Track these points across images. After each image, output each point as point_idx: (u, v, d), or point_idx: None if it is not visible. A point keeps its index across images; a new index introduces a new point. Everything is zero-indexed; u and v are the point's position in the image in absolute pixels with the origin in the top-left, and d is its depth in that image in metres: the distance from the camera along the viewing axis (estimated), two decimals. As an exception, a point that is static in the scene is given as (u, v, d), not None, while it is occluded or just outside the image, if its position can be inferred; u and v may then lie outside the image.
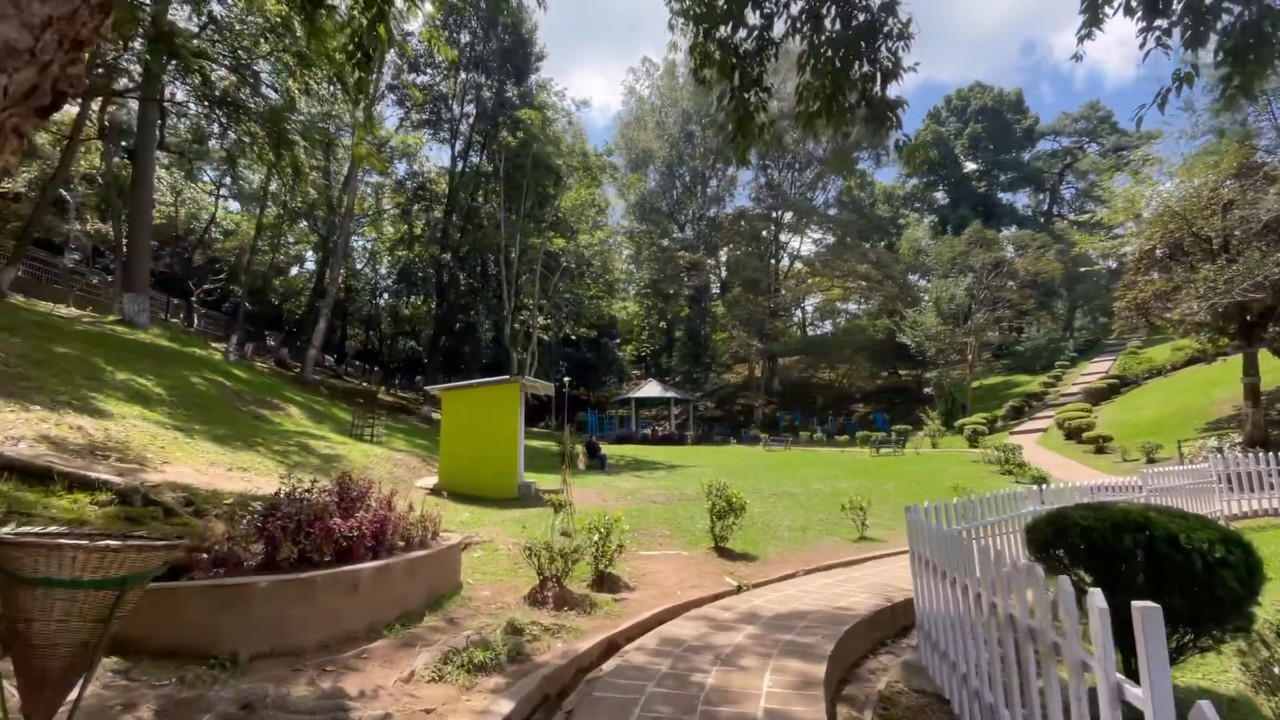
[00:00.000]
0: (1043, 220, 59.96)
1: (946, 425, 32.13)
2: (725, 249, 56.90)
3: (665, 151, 55.45)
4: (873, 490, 15.15)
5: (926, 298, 45.65)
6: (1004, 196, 64.04)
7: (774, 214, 55.22)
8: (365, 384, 35.52)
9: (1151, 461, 17.20)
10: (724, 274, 57.18)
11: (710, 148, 54.77)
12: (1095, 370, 39.35)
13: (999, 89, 61.66)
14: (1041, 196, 64.58)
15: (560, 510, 9.88)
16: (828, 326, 65.43)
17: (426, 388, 14.91)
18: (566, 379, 33.80)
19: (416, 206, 33.36)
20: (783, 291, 53.67)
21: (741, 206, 57.81)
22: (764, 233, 56.03)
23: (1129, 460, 18.33)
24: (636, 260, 55.93)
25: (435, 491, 12.11)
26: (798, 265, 57.26)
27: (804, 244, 60.82)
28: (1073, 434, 23.35)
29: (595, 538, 6.79)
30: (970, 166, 65.52)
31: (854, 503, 10.26)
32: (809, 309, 60.66)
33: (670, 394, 42.61)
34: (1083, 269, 46.44)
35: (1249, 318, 15.19)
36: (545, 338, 35.90)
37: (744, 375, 55.97)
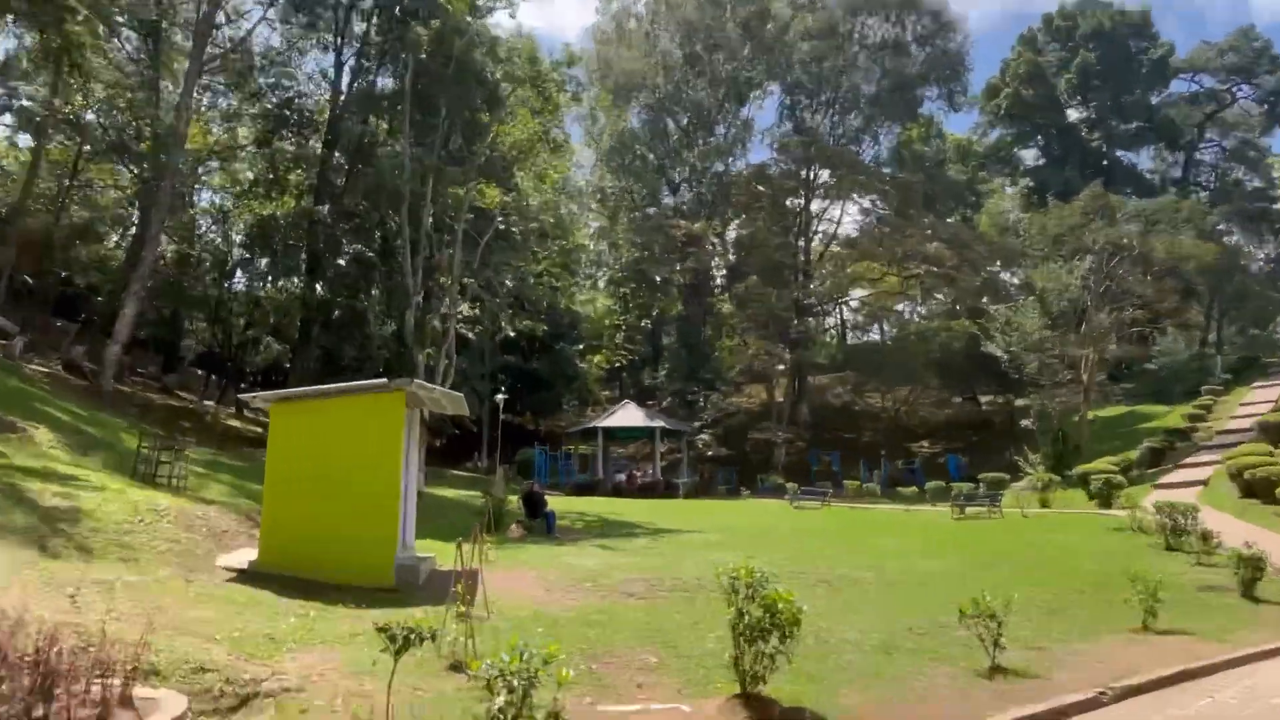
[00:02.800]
0: (1174, 191, 59.50)
1: (1057, 473, 30.40)
2: (737, 220, 55.38)
3: (656, 80, 53.87)
4: (978, 576, 13.34)
5: (1024, 290, 44.29)
6: (1123, 156, 63.71)
7: (806, 172, 53.83)
8: (205, 400, 32.79)
9: (1403, 533, 15.41)
10: (733, 256, 55.61)
11: (720, 75, 53.31)
12: (1261, 399, 38.09)
13: (1119, 4, 61.38)
14: (1173, 158, 64.34)
15: (464, 617, 7.67)
16: (878, 332, 64.31)
17: (244, 397, 12.48)
18: (502, 397, 31.34)
19: (281, 138, 30.93)
20: (816, 282, 52.17)
21: (761, 161, 56.59)
22: (791, 199, 54.61)
23: (1360, 531, 16.55)
24: (610, 233, 53.98)
25: (250, 575, 9.87)
26: (836, 247, 55.84)
27: (846, 215, 59.68)
28: (1259, 488, 21.61)
29: (504, 698, 4.45)
30: (1075, 115, 65.20)
31: (980, 604, 8.02)
32: (853, 306, 59.26)
33: (656, 423, 40.48)
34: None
35: None
36: (472, 336, 33.33)
37: (761, 399, 54.13)
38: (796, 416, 51.56)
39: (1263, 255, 62.98)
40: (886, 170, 56.41)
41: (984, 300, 47.06)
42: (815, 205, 56.41)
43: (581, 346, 53.86)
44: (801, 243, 55.88)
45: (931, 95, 58.21)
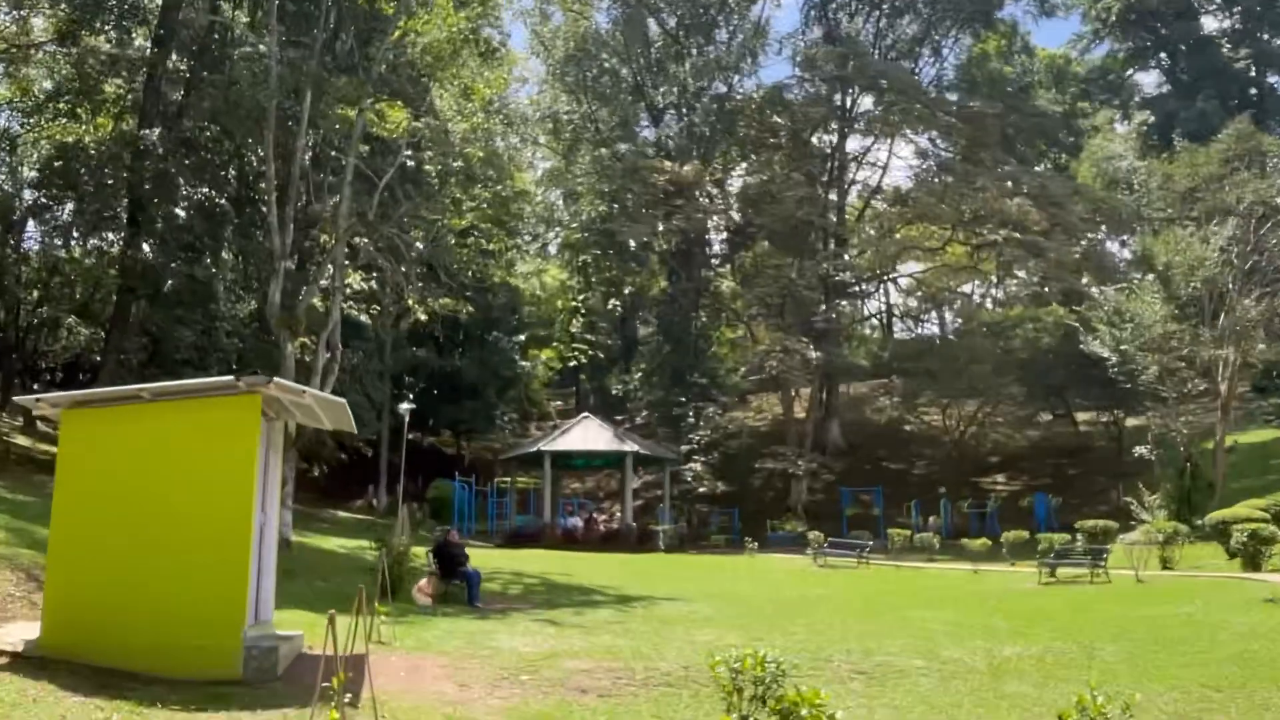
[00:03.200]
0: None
1: (1184, 521, 30.62)
2: (744, 164, 55.26)
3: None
4: (1077, 664, 13.19)
5: (1138, 269, 44.64)
6: (1278, 85, 64.48)
7: (841, 97, 53.88)
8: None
9: None
10: (738, 214, 55.52)
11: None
12: None
13: None
14: (1347, 88, 65.27)
15: None
16: (937, 323, 64.69)
17: (22, 400, 11.96)
18: (408, 407, 30.67)
19: (93, 31, 29.95)
20: (853, 251, 52.30)
21: (779, 81, 56.46)
22: (820, 134, 54.63)
23: None
24: (566, 178, 53.56)
25: (26, 661, 9.49)
26: (880, 203, 56.02)
27: (895, 159, 59.95)
28: None
29: None
30: (1213, 25, 66.05)
31: (1086, 709, 7.79)
32: (903, 285, 59.60)
33: (627, 447, 40.29)
34: None
35: None
36: (367, 319, 32.44)
37: (775, 415, 54.15)
38: (824, 439, 51.66)
39: None
40: (952, 98, 56.56)
41: (1084, 280, 47.36)
42: (853, 144, 56.69)
43: (524, 338, 53.41)
44: (833, 196, 56.00)
45: (1017, -7, 58.69)
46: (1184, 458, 37.04)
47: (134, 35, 32.23)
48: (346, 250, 25.93)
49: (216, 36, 29.83)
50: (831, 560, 31.37)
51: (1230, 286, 37.58)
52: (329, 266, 24.42)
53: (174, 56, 30.90)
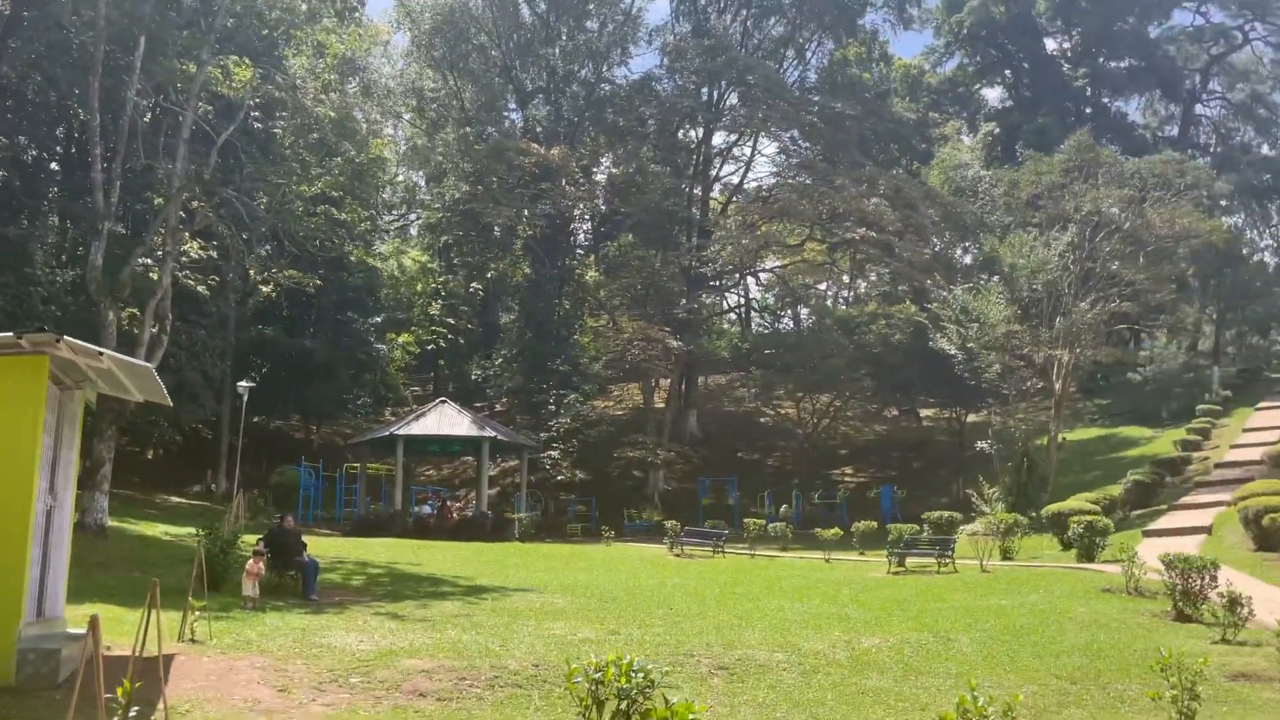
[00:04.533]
0: (1169, 152, 63.64)
1: (1021, 512, 31.27)
2: (611, 153, 54.35)
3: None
4: (935, 653, 12.96)
5: (983, 271, 45.73)
6: (1112, 103, 67.72)
7: (709, 92, 53.59)
8: None
9: None
10: (604, 204, 54.66)
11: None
12: (1268, 424, 40.95)
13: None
14: (1171, 109, 68.86)
15: None
16: (794, 319, 65.30)
17: None
18: (247, 385, 28.60)
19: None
20: (716, 245, 52.05)
21: (648, 71, 55.75)
22: (687, 127, 54.27)
23: None
24: (429, 156, 51.56)
25: None
26: (743, 199, 56.00)
27: (759, 156, 59.99)
28: (1272, 538, 22.72)
29: None
30: (1054, 46, 68.66)
31: (967, 711, 7.09)
32: (763, 280, 59.84)
33: (485, 433, 38.92)
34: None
35: None
36: (205, 291, 30.00)
37: (635, 404, 53.57)
38: (682, 429, 51.31)
39: (1269, 243, 68.73)
40: (814, 100, 56.83)
41: (933, 280, 48.31)
42: (719, 139, 56.54)
43: (381, 320, 51.28)
44: (698, 190, 55.80)
45: (876, 2, 59.29)
46: (1020, 453, 37.95)
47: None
48: (182, 215, 23.80)
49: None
50: (688, 549, 30.88)
51: (1067, 290, 38.69)
52: (162, 233, 22.27)
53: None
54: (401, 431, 37.95)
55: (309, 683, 9.72)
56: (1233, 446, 38.69)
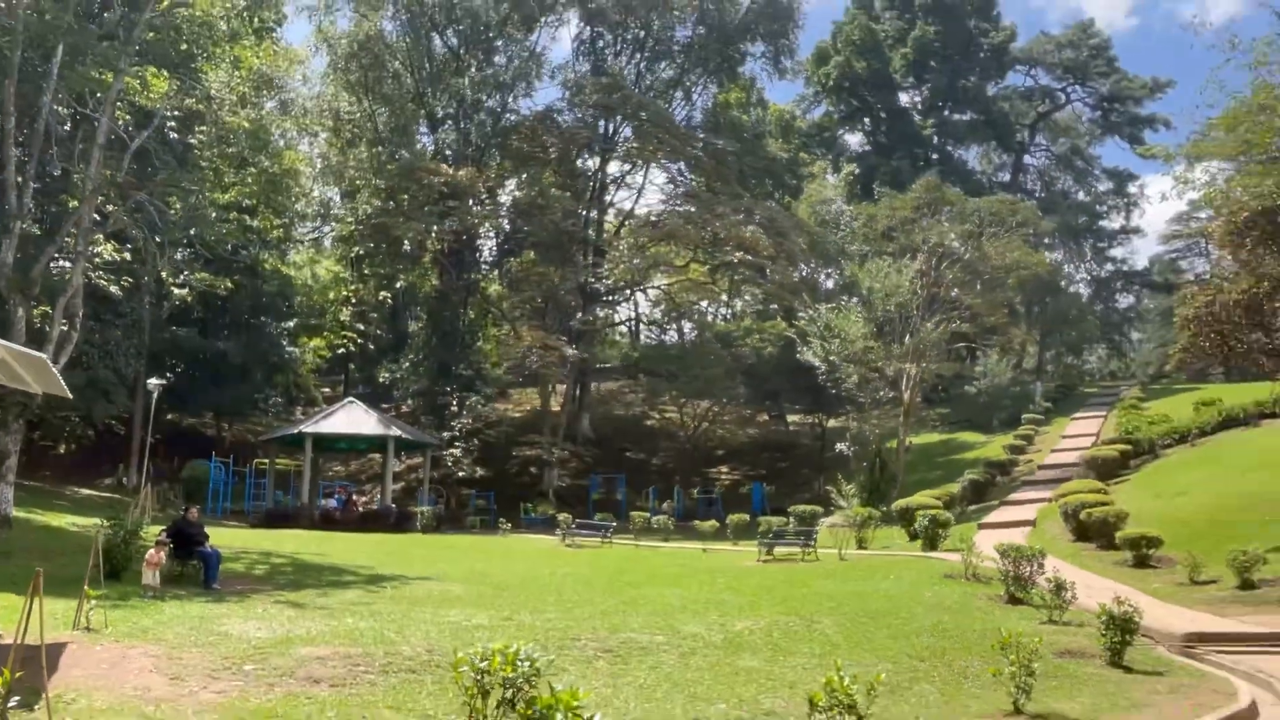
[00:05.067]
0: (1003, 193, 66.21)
1: (874, 507, 31.71)
2: (515, 178, 53.52)
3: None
4: (801, 635, 12.85)
5: (844, 292, 46.54)
6: (954, 151, 69.85)
7: (605, 125, 53.32)
8: None
9: (1249, 586, 16.94)
10: (508, 223, 53.87)
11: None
12: (1083, 431, 42.66)
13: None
14: (1004, 158, 71.68)
15: None
16: (677, 332, 65.44)
17: None
18: (158, 383, 26.87)
19: None
20: (609, 264, 51.75)
21: (550, 104, 55.15)
22: (585, 156, 53.88)
23: (1201, 582, 18.15)
24: (343, 172, 49.83)
25: None
26: (634, 223, 55.86)
27: (649, 184, 60.02)
28: (1090, 531, 23.41)
29: None
30: (907, 99, 70.74)
31: (835, 690, 6.86)
32: (651, 297, 59.72)
33: (391, 432, 37.67)
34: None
35: None
36: (117, 290, 28.07)
37: (533, 407, 52.77)
38: (576, 430, 50.79)
39: (1083, 278, 72.10)
40: (700, 136, 57.07)
41: (801, 300, 49.00)
42: (613, 168, 56.26)
43: (294, 324, 49.28)
44: (595, 214, 55.43)
45: (755, 53, 59.67)
46: (874, 454, 38.61)
47: None
48: (96, 217, 22.22)
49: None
50: (579, 540, 30.39)
51: (915, 312, 39.58)
52: (73, 231, 20.73)
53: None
54: (310, 429, 36.46)
55: (203, 670, 8.95)
56: (1053, 450, 40.19)
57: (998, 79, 69.54)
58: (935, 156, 67.20)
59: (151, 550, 14.08)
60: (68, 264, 23.40)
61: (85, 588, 10.72)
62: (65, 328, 19.57)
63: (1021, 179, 72.69)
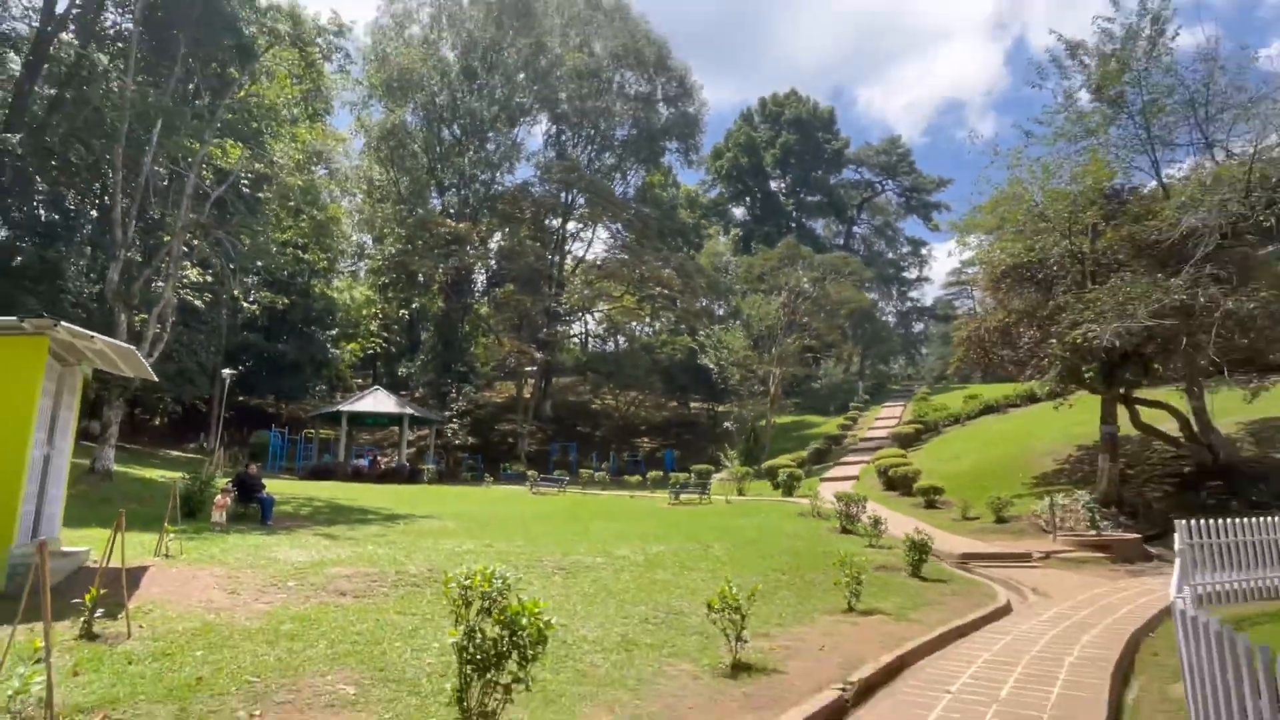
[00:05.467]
0: (838, 252, 67.53)
1: (749, 466, 31.91)
2: (500, 231, 52.60)
3: (433, 86, 49.46)
4: (699, 557, 12.56)
5: (732, 317, 46.95)
6: (807, 221, 71.04)
7: (566, 196, 52.83)
8: None
9: (1001, 520, 17.29)
10: (494, 263, 52.87)
11: (496, 94, 50.45)
12: (889, 414, 43.65)
13: (814, 101, 68.80)
14: (840, 227, 73.24)
15: (89, 636, 4.88)
16: (614, 343, 65.04)
17: None
18: (230, 373, 25.64)
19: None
20: (567, 294, 51.15)
21: (526, 179, 54.46)
22: (551, 218, 53.26)
23: (970, 518, 18.51)
24: (374, 225, 48.42)
25: None
26: (585, 265, 55.43)
27: (596, 239, 59.65)
28: (895, 483, 23.91)
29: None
30: (775, 185, 71.69)
31: (726, 597, 6.69)
32: (596, 318, 59.22)
33: (405, 410, 36.59)
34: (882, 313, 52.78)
35: (1112, 358, 15.95)
36: (201, 304, 26.97)
37: (510, 394, 51.84)
38: (541, 412, 50.09)
39: (891, 312, 73.97)
40: (633, 205, 56.97)
41: (701, 322, 49.26)
42: (571, 226, 55.65)
43: (335, 333, 47.61)
44: (557, 258, 54.74)
45: (672, 149, 59.98)
46: (749, 430, 39.00)
47: (7, 56, 24.65)
48: (185, 248, 20.98)
49: (84, 72, 23.36)
50: (542, 489, 29.93)
51: (779, 331, 40.12)
52: (166, 257, 19.52)
53: (45, 83, 23.79)
54: (346, 409, 35.23)
55: (255, 586, 8.35)
56: (869, 428, 41.15)
57: (836, 173, 70.93)
58: (793, 225, 68.32)
59: (219, 496, 13.29)
60: (161, 283, 22.13)
61: (165, 524, 10.01)
62: (158, 330, 18.40)
63: (851, 242, 74.23)
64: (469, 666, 4.20)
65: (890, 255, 72.65)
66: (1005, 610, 9.73)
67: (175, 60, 20.66)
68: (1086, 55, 18.39)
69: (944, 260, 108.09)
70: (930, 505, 20.79)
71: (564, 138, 57.26)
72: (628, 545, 13.28)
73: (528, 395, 48.73)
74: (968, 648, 7.37)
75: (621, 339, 62.01)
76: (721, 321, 48.27)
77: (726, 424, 43.53)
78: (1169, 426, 18.13)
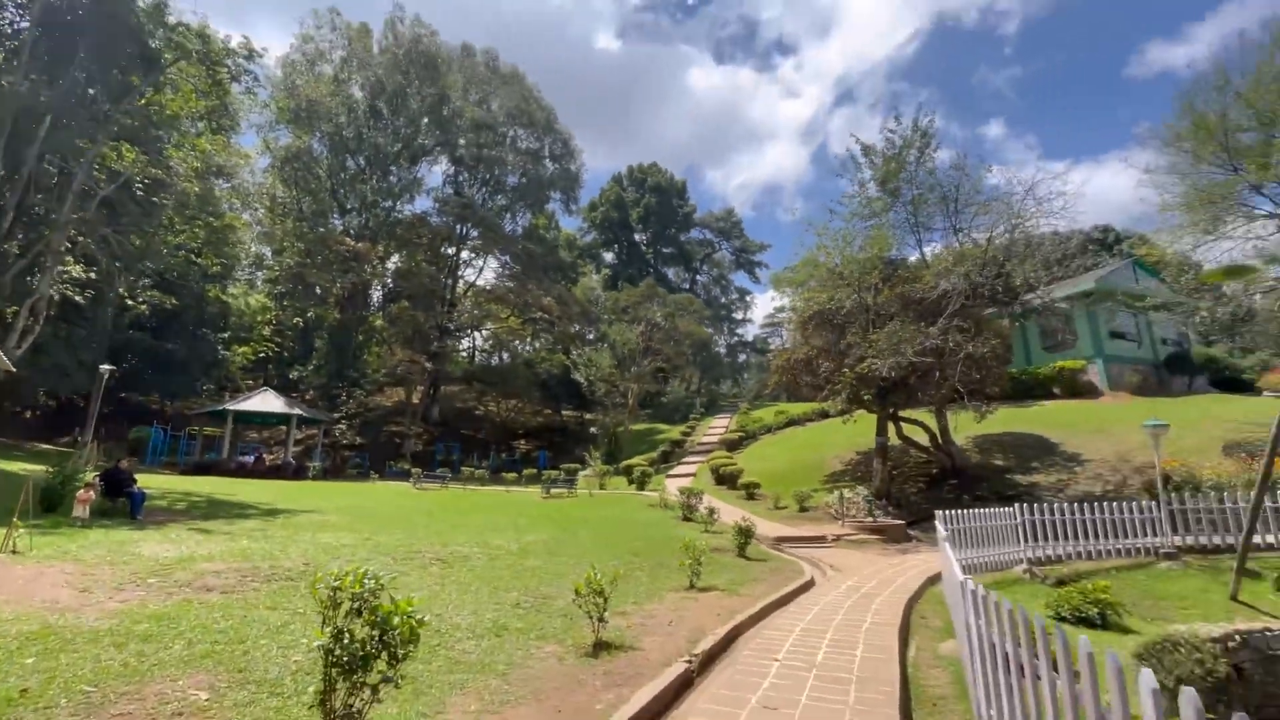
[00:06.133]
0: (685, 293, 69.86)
1: (610, 465, 31.66)
2: (398, 254, 49.16)
3: (341, 118, 45.52)
4: (567, 544, 11.97)
5: (600, 340, 46.85)
6: (663, 269, 72.82)
7: (461, 228, 50.47)
8: None
9: (804, 509, 18.16)
10: (391, 283, 49.27)
11: (402, 135, 47.37)
12: (719, 425, 45.19)
13: (670, 174, 71.11)
14: (687, 275, 75.80)
15: None
16: (499, 358, 62.71)
17: None
18: (108, 368, 21.43)
19: None
20: (458, 313, 48.66)
21: (425, 210, 51.54)
22: (446, 245, 50.63)
23: (781, 507, 19.29)
24: (274, 239, 43.39)
25: None
26: (475, 291, 53.19)
27: (487, 267, 57.50)
28: (724, 479, 24.53)
29: None
30: (639, 237, 73.14)
31: (591, 582, 6.27)
32: (484, 335, 56.77)
33: (294, 411, 32.65)
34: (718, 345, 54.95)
35: (886, 385, 17.40)
36: (82, 300, 22.45)
37: (400, 399, 48.17)
38: (429, 416, 47.00)
39: (723, 344, 77.40)
40: (521, 242, 55.53)
41: (574, 344, 48.74)
42: (465, 254, 53.25)
43: (228, 335, 41.88)
44: (450, 281, 52.00)
45: (555, 198, 59.28)
46: (611, 434, 38.86)
47: None
48: (68, 244, 17.37)
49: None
50: (426, 485, 27.78)
51: (638, 354, 40.53)
52: (45, 251, 16.02)
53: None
54: (232, 407, 30.81)
55: (111, 584, 6.75)
56: (704, 436, 42.18)
57: (686, 232, 73.51)
58: (652, 270, 69.79)
59: (82, 490, 10.88)
60: (38, 277, 18.17)
61: (15, 519, 7.97)
62: (29, 322, 15.02)
63: (695, 287, 76.76)
64: (335, 669, 3.46)
65: (724, 300, 76.17)
66: (811, 584, 10.01)
67: (70, 60, 17.26)
68: (875, 156, 20.40)
69: (764, 305, 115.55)
70: (751, 497, 21.44)
71: (461, 178, 54.86)
72: (503, 536, 12.41)
73: (416, 401, 45.58)
74: (786, 619, 7.43)
75: (506, 354, 59.90)
76: (592, 344, 47.97)
77: (592, 429, 43.12)
78: (922, 438, 20.10)
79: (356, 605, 3.50)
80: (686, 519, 16.85)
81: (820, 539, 14.82)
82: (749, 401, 59.46)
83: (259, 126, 41.92)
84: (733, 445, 33.48)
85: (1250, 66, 16.80)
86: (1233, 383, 28.50)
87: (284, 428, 37.65)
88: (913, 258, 21.12)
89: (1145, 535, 11.62)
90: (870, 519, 16.14)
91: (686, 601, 8.32)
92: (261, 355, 43.63)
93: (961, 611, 4.27)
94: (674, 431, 45.50)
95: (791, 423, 36.60)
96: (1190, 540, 11.67)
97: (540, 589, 8.14)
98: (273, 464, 29.95)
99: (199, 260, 28.04)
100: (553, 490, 24.49)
